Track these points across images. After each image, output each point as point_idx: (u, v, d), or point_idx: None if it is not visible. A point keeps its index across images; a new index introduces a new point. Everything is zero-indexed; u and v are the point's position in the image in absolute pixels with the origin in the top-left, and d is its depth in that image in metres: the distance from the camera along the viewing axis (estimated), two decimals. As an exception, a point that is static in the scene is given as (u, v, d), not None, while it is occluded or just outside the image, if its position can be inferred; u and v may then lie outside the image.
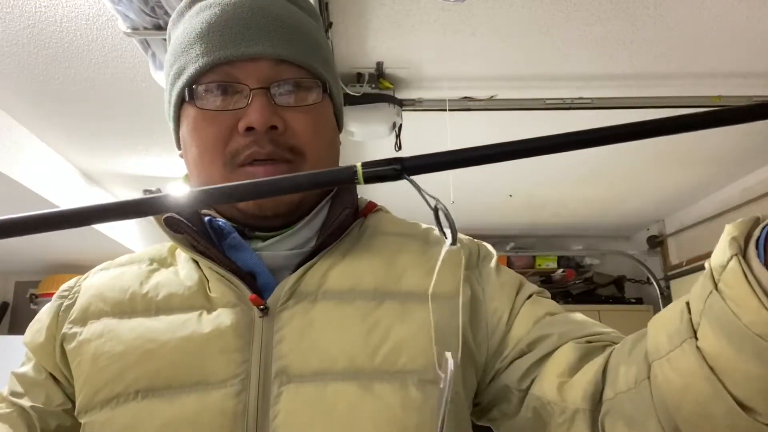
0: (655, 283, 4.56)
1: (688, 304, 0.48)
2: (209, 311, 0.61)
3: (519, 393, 0.63)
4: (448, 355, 0.45)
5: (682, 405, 0.46)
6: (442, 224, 0.39)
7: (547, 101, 2.53)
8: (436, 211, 0.38)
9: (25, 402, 0.65)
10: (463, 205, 3.60)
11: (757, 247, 0.42)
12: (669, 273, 4.53)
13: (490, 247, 0.74)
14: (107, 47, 2.13)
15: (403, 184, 0.36)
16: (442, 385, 0.44)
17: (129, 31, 1.79)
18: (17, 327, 4.05)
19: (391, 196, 1.81)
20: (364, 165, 0.34)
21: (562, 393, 0.58)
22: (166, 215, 0.65)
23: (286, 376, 0.57)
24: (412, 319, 0.61)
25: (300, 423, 0.55)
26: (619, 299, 4.75)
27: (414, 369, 0.58)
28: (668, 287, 4.54)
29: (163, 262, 0.69)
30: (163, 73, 0.72)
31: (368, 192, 2.46)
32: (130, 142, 2.91)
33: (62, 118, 2.65)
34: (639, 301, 4.74)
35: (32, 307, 3.95)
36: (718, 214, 3.81)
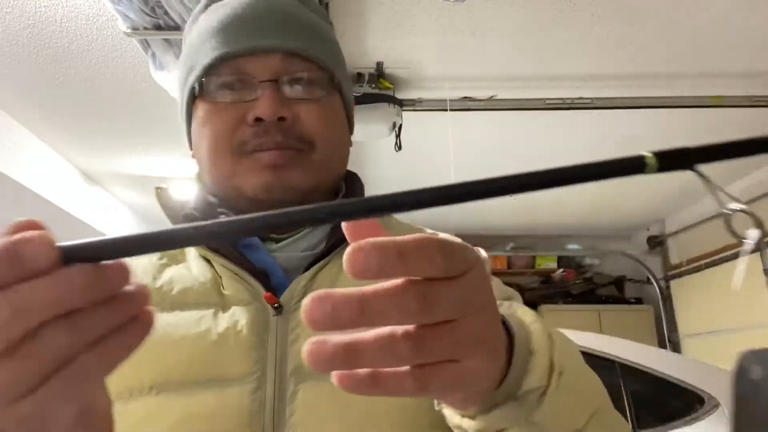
0: (655, 283, 4.56)
1: None
2: (224, 309, 0.61)
3: None
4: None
5: None
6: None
7: (547, 101, 2.53)
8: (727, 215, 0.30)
9: None
10: (463, 204, 3.60)
11: None
12: (669, 273, 4.53)
13: (483, 252, 0.75)
14: (107, 47, 2.13)
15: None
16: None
17: (129, 31, 1.79)
18: (17, 327, 4.05)
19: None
20: (656, 154, 0.31)
21: None
22: (183, 213, 0.66)
23: (302, 374, 0.58)
24: None
25: (317, 420, 0.56)
26: (619, 299, 4.75)
27: None
28: (668, 287, 4.54)
29: (173, 258, 0.70)
30: (177, 76, 0.73)
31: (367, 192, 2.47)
32: (130, 142, 2.91)
33: (62, 118, 2.65)
34: (639, 301, 4.74)
35: (32, 307, 3.95)
36: (719, 213, 3.81)
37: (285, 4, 0.68)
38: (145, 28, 1.79)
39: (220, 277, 0.64)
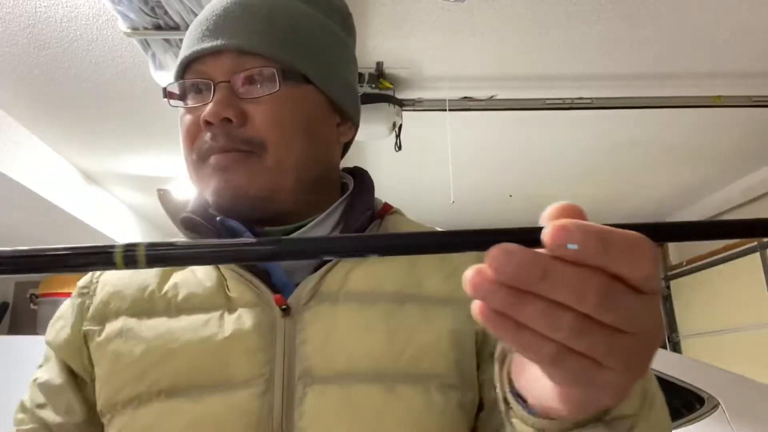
0: (655, 283, 4.56)
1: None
2: (230, 311, 0.61)
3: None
4: None
5: None
6: None
7: (547, 101, 2.54)
8: None
9: (48, 415, 0.64)
10: (463, 205, 3.60)
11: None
12: (669, 273, 4.53)
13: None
14: (107, 47, 2.13)
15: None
16: None
17: (129, 31, 1.79)
18: (17, 327, 4.06)
19: (393, 196, 1.81)
20: None
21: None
22: (182, 215, 0.65)
23: (310, 377, 0.57)
24: (434, 324, 0.60)
25: (326, 424, 0.55)
26: (619, 299, 4.74)
27: (436, 373, 0.58)
28: (668, 287, 4.54)
29: None
30: None
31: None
32: (130, 142, 2.91)
33: (62, 118, 2.65)
34: (639, 301, 4.74)
35: (32, 307, 3.95)
36: (719, 213, 3.81)
37: None
38: (145, 28, 1.79)
39: (225, 278, 0.64)
